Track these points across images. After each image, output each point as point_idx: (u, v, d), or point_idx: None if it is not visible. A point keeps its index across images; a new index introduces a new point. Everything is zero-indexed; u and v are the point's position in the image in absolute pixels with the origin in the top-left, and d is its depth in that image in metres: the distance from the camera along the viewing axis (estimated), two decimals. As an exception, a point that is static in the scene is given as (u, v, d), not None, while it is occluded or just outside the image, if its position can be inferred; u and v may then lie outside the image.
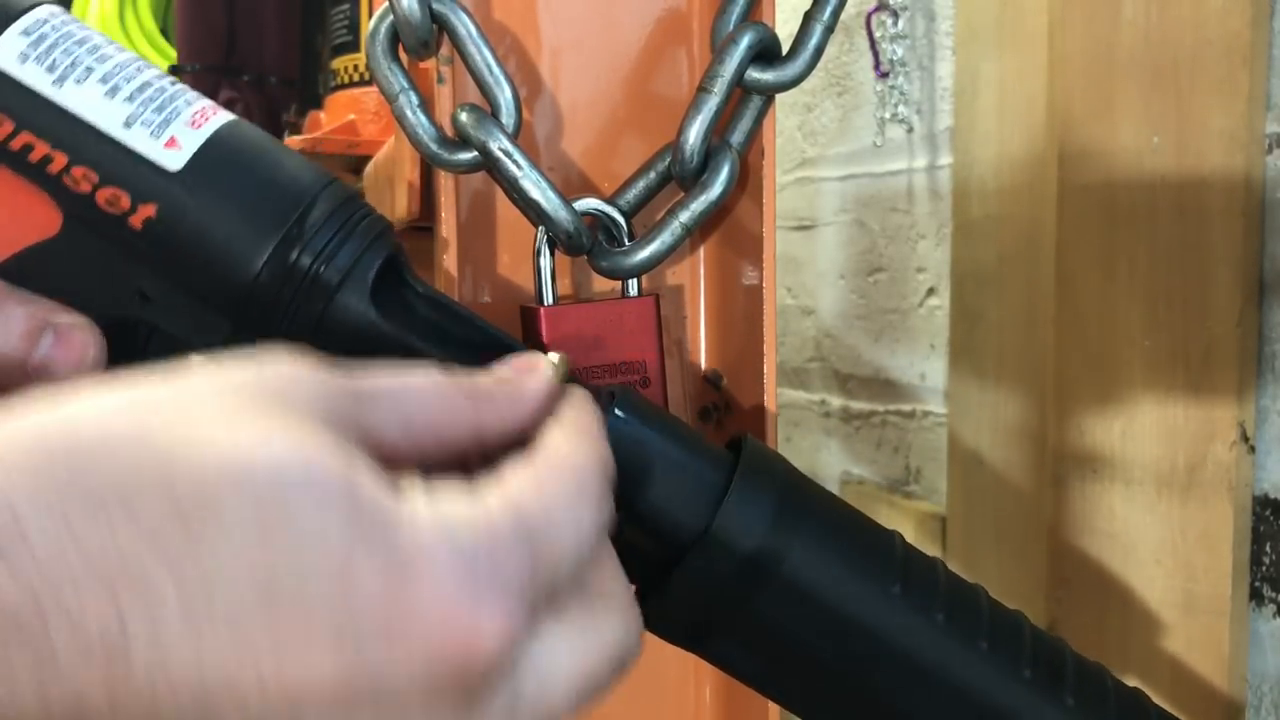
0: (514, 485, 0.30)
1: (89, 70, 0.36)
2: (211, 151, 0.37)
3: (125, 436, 0.26)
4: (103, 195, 0.36)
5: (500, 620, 0.27)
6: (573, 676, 0.30)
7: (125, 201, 0.36)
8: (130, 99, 0.37)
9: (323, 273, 0.37)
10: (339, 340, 0.37)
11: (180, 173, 0.36)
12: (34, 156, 0.36)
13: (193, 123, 0.37)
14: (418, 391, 0.33)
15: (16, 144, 0.36)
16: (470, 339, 0.39)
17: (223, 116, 0.38)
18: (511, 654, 0.28)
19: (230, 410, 0.27)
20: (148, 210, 0.36)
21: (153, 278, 0.36)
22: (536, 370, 0.36)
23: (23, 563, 0.24)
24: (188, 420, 0.27)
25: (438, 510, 0.28)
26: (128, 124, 0.36)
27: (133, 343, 0.38)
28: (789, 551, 0.37)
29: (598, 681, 0.31)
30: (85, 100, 0.36)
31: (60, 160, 0.36)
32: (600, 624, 0.31)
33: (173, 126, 0.37)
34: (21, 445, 0.26)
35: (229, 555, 0.26)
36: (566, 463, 0.32)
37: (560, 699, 0.30)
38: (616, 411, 0.37)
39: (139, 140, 0.36)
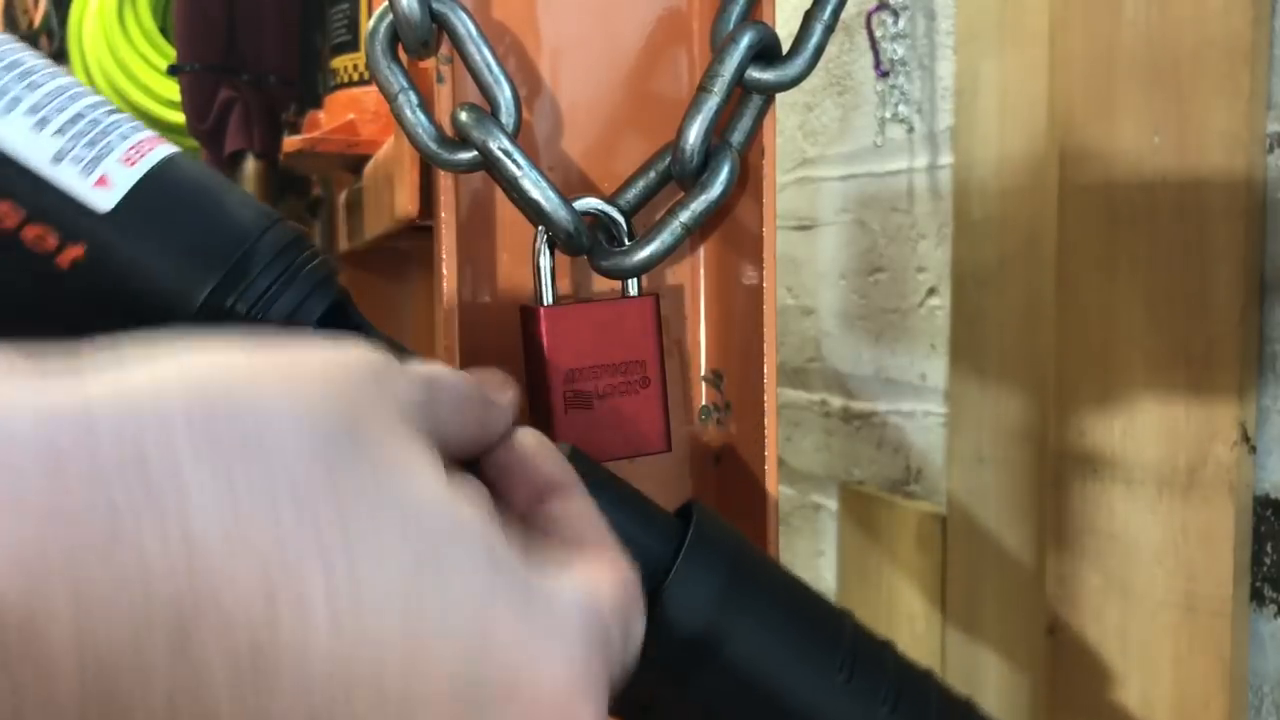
0: (594, 574, 0.32)
1: (16, 100, 0.34)
2: (145, 190, 0.35)
3: (278, 408, 0.26)
4: (30, 233, 0.34)
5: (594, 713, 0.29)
6: None
7: (52, 240, 0.34)
8: (60, 131, 0.35)
9: (262, 321, 0.35)
10: None
11: (110, 213, 0.34)
12: None
13: (126, 159, 0.35)
14: (460, 387, 0.33)
15: None
16: None
17: (161, 151, 0.36)
18: None
19: (355, 404, 0.28)
20: (75, 251, 0.34)
21: (82, 319, 0.35)
22: (509, 386, 0.36)
23: (180, 523, 0.24)
24: (336, 410, 0.27)
25: (565, 584, 0.30)
26: (57, 159, 0.34)
27: None
28: (731, 638, 0.36)
29: None
30: (11, 133, 0.34)
31: None
32: None
33: (104, 164, 0.35)
34: (175, 391, 0.25)
35: (379, 570, 0.26)
36: (621, 564, 0.33)
37: None
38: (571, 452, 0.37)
39: (68, 177, 0.34)
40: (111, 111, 0.36)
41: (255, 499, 0.25)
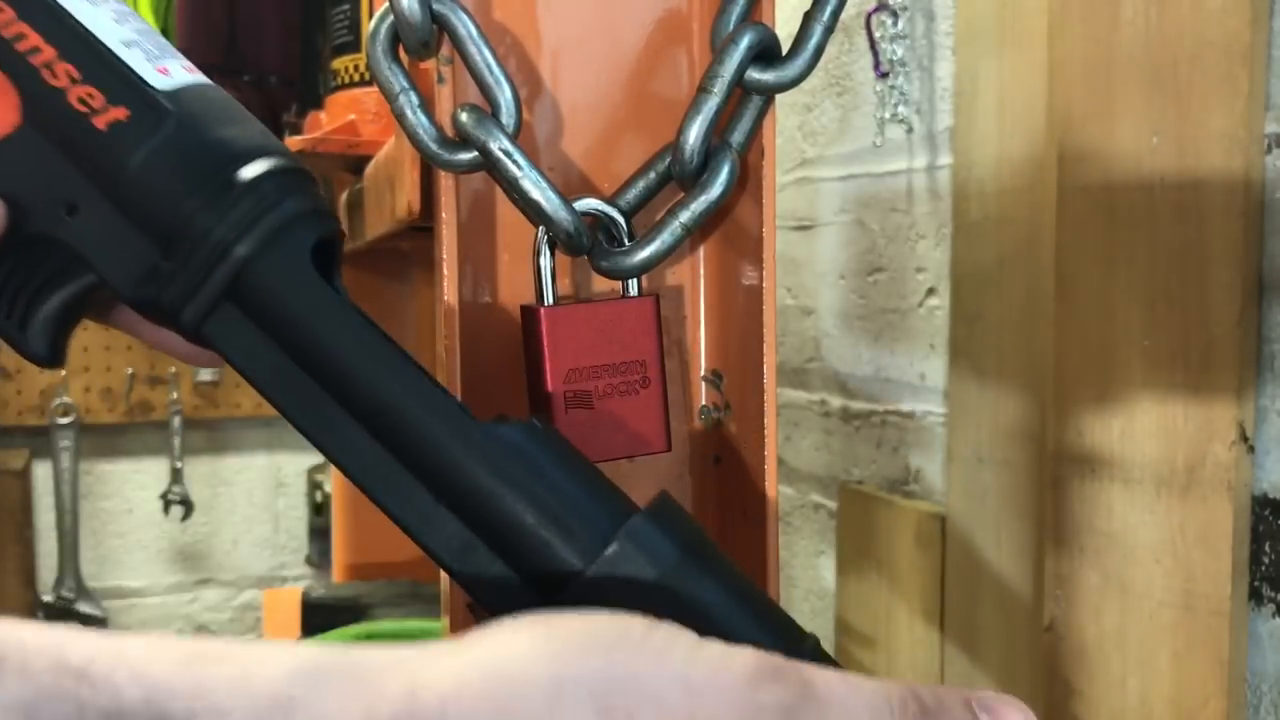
0: None
1: (103, 0, 0.38)
2: (196, 90, 0.38)
3: None
4: (78, 92, 0.36)
5: None
6: None
7: (99, 100, 0.36)
8: (136, 31, 0.38)
9: (263, 217, 0.36)
10: (264, 295, 0.36)
11: (163, 91, 0.37)
12: (22, 45, 0.36)
13: (186, 67, 0.38)
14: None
15: (8, 32, 0.36)
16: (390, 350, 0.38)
17: (206, 78, 0.39)
18: None
19: None
20: (119, 113, 0.36)
21: (91, 191, 0.36)
22: None
23: None
24: None
25: None
26: (127, 44, 0.37)
27: (38, 263, 0.37)
28: (677, 607, 0.34)
29: None
30: (93, 17, 0.37)
31: (48, 53, 0.36)
32: None
33: (168, 60, 0.38)
34: None
35: None
36: None
37: None
38: (534, 421, 0.36)
39: (133, 58, 0.37)
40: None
41: None
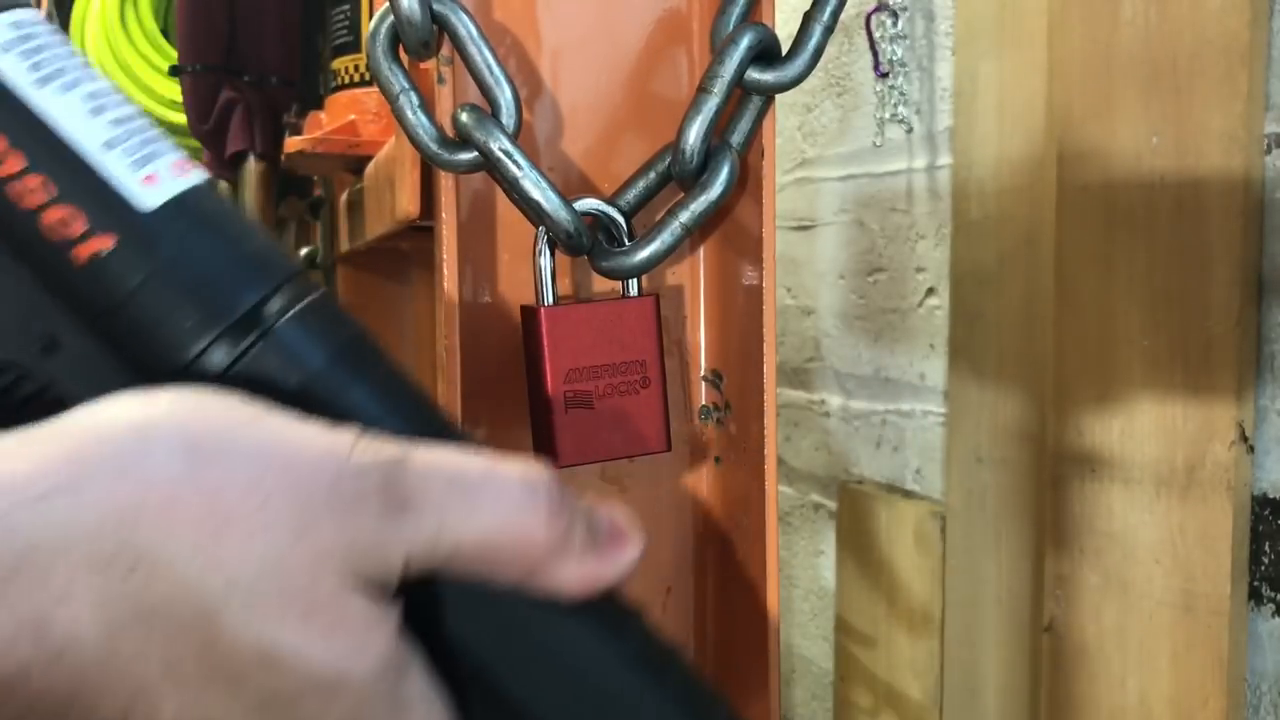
0: None
1: (76, 82, 0.33)
2: (188, 203, 0.33)
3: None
4: (52, 214, 0.31)
5: None
6: None
7: (78, 227, 0.31)
8: (116, 123, 0.33)
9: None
10: None
11: (151, 214, 0.32)
12: None
13: (177, 167, 0.33)
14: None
15: None
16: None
17: (201, 174, 0.34)
18: None
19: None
20: (101, 242, 0.31)
21: (72, 327, 0.32)
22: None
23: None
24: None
25: None
26: (108, 146, 0.32)
27: (20, 403, 0.32)
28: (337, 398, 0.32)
29: None
30: (65, 109, 0.32)
31: (15, 163, 0.31)
32: None
33: (156, 160, 0.33)
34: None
35: None
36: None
37: None
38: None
39: (116, 167, 0.32)
40: (155, 123, 0.34)
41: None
